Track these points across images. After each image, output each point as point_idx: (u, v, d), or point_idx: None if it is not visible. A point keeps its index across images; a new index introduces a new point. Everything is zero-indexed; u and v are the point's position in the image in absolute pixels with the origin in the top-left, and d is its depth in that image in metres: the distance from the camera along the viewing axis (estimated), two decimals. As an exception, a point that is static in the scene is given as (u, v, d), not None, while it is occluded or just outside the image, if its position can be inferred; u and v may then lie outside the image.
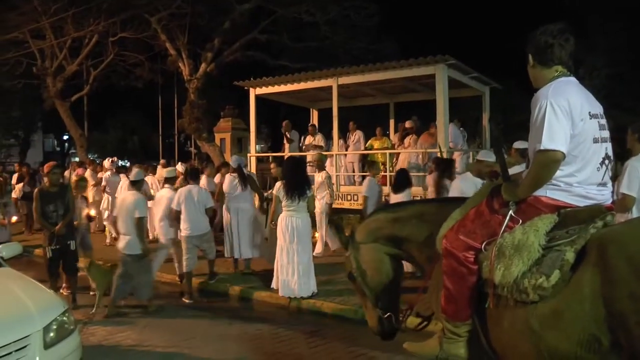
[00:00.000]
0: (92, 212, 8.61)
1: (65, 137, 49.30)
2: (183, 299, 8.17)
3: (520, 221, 2.83)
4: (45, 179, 8.24)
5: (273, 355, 5.88)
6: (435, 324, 3.71)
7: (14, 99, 30.39)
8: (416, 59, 11.32)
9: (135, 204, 7.41)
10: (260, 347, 6.11)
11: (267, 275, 8.69)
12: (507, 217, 2.88)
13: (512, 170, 3.37)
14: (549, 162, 2.70)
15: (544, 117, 2.68)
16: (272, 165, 10.23)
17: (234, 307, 7.99)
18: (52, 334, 4.26)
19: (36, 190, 8.03)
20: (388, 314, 3.85)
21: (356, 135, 14.24)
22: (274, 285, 7.96)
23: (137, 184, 7.90)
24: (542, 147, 2.67)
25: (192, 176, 8.85)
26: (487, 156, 7.01)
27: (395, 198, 8.55)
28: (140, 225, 7.42)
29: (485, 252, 2.91)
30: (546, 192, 2.82)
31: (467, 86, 13.27)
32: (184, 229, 8.35)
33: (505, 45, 20.87)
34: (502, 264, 2.75)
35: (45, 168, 8.22)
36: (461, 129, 13.95)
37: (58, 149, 52.25)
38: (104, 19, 17.95)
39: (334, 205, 11.92)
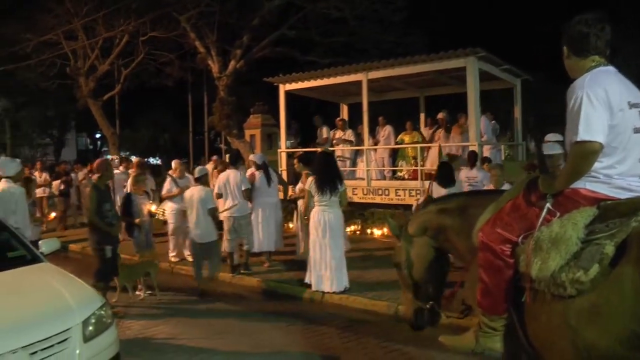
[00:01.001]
0: (154, 208, 8.48)
1: (98, 136, 50.15)
2: (233, 274, 9.02)
3: (558, 214, 2.79)
4: (95, 177, 8.22)
5: (306, 349, 5.89)
6: (470, 319, 3.70)
7: (49, 99, 31.01)
8: (446, 51, 11.23)
9: (206, 196, 8.30)
10: (293, 341, 6.12)
11: (297, 269, 8.77)
12: (545, 210, 2.84)
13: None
14: (586, 154, 2.64)
15: (580, 108, 2.62)
16: (295, 161, 10.33)
17: (266, 301, 8.02)
18: (90, 328, 4.33)
19: (90, 188, 7.73)
20: (430, 303, 3.85)
21: (386, 130, 14.19)
22: (307, 279, 7.99)
23: (201, 179, 8.59)
24: (578, 139, 2.62)
25: (232, 161, 9.63)
26: (553, 149, 6.83)
27: (440, 192, 8.51)
28: (213, 215, 8.33)
29: (522, 245, 2.88)
30: (585, 184, 2.76)
31: (498, 78, 13.12)
32: (226, 211, 9.00)
33: (537, 35, 20.57)
34: (539, 258, 2.71)
35: (97, 165, 7.76)
36: (493, 122, 13.80)
37: (91, 147, 53.15)
38: (134, 19, 18.15)
39: (365, 200, 11.97)
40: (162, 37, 19.00)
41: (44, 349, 3.94)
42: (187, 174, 10.79)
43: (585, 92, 2.63)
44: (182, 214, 9.57)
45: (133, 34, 19.58)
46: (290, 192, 10.28)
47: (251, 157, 10.84)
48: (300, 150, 15.52)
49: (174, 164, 10.89)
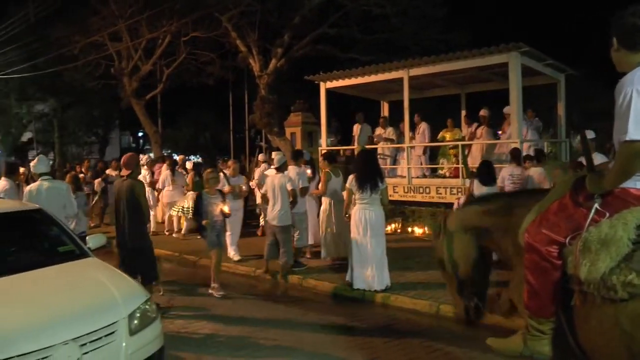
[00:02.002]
0: (226, 209, 8.05)
1: (140, 134, 51.14)
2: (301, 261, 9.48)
3: (607, 214, 2.72)
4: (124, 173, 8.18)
5: (348, 348, 5.89)
6: (513, 320, 3.66)
7: (94, 99, 31.74)
8: (488, 47, 11.06)
9: (285, 182, 8.95)
10: (334, 339, 6.14)
11: (338, 267, 8.79)
12: (593, 210, 2.78)
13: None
14: (635, 154, 2.55)
15: (629, 106, 2.53)
16: (320, 159, 10.55)
17: (307, 298, 8.04)
18: (136, 322, 4.43)
19: (145, 186, 7.85)
20: (474, 302, 3.81)
21: (421, 128, 14.05)
22: (348, 277, 8.00)
23: (281, 168, 9.23)
24: (627, 138, 2.53)
25: (294, 157, 9.98)
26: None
27: (481, 190, 8.43)
28: (294, 195, 9.00)
29: (569, 246, 2.82)
30: (636, 184, 2.69)
31: (542, 74, 12.85)
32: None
33: (583, 28, 20.08)
34: (588, 259, 2.66)
35: (126, 161, 7.30)
36: (536, 118, 13.54)
37: (133, 145, 54.25)
38: (176, 20, 18.43)
39: (406, 198, 11.92)
40: (204, 37, 19.24)
41: (92, 341, 4.07)
42: (240, 174, 11.13)
43: (636, 89, 2.54)
44: (234, 213, 9.52)
45: (175, 35, 19.88)
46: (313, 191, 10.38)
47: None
48: (340, 148, 15.56)
49: (230, 162, 11.36)
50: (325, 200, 9.56)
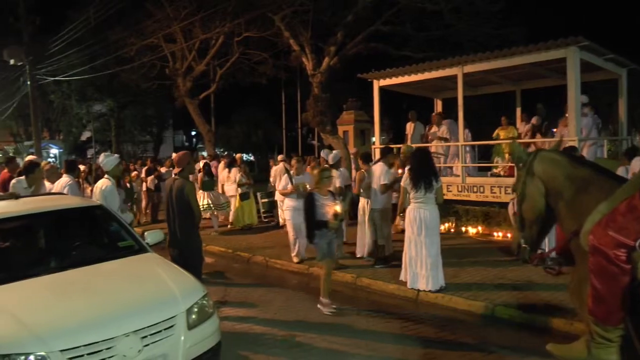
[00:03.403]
0: (339, 209, 7.09)
1: (193, 133, 52.12)
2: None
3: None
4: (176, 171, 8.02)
5: (402, 348, 5.85)
6: (571, 323, 3.54)
7: (149, 99, 32.55)
8: (545, 42, 10.76)
9: (336, 178, 9.26)
10: (388, 340, 6.10)
11: (392, 266, 8.74)
12: None
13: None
14: None
15: None
16: (358, 159, 10.85)
17: (361, 297, 8.01)
18: (194, 316, 4.52)
19: (195, 184, 7.90)
20: (525, 245, 3.70)
21: (444, 126, 13.77)
22: (402, 277, 7.94)
23: (335, 165, 9.60)
24: None
25: (384, 154, 9.81)
26: None
27: None
28: (341, 193, 9.27)
29: (639, 250, 2.71)
30: None
31: (602, 69, 12.42)
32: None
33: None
34: (661, 264, 2.54)
35: (179, 158, 7.14)
36: (595, 115, 13.11)
37: (187, 143, 55.40)
38: (230, 21, 18.68)
39: (459, 197, 11.76)
40: (256, 36, 19.42)
41: (152, 334, 4.17)
42: (305, 171, 10.93)
43: None
44: (298, 212, 9.27)
45: (228, 35, 20.15)
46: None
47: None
48: (393, 146, 15.46)
49: (293, 160, 11.04)
50: (362, 200, 9.72)
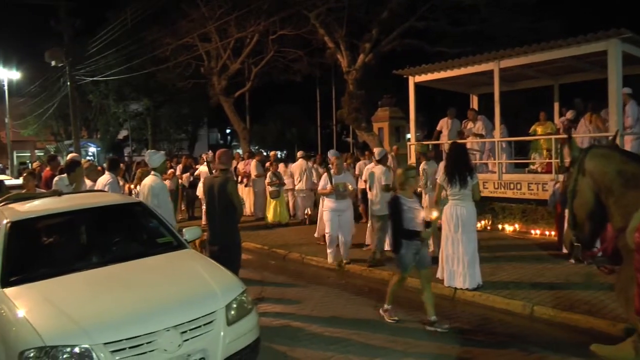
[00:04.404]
0: (434, 215, 6.33)
1: (228, 131, 52.61)
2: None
3: None
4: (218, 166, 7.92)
5: (439, 345, 5.81)
6: (615, 325, 3.45)
7: (185, 98, 32.98)
8: (585, 35, 10.53)
9: (381, 174, 9.39)
10: (426, 338, 6.06)
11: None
12: None
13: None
14: None
15: None
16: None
17: (397, 294, 7.93)
18: (233, 312, 4.55)
19: (235, 182, 8.00)
20: (577, 244, 3.62)
21: (478, 123, 13.58)
22: (438, 275, 7.88)
23: (382, 161, 9.66)
24: None
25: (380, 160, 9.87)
26: None
27: None
28: (387, 190, 9.09)
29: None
30: None
31: (645, 61, 12.10)
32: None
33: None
34: None
35: (220, 156, 7.15)
36: (638, 107, 12.75)
37: (221, 141, 55.95)
38: (264, 19, 18.83)
39: (496, 195, 11.60)
40: (291, 34, 19.52)
41: (192, 329, 4.22)
42: (346, 170, 10.44)
43: None
44: (336, 214, 9.30)
45: (263, 33, 20.30)
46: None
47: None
48: (429, 142, 15.34)
49: (332, 158, 10.24)
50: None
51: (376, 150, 10.06)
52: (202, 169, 14.80)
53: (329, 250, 9.67)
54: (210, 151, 18.03)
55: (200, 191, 14.38)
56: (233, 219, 6.82)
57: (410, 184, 6.54)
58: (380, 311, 6.67)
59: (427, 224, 6.30)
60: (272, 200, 13.84)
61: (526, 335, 6.05)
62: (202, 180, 14.26)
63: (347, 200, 9.54)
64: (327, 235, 9.67)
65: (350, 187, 9.57)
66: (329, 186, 9.41)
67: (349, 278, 8.90)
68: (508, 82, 14.49)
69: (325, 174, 9.66)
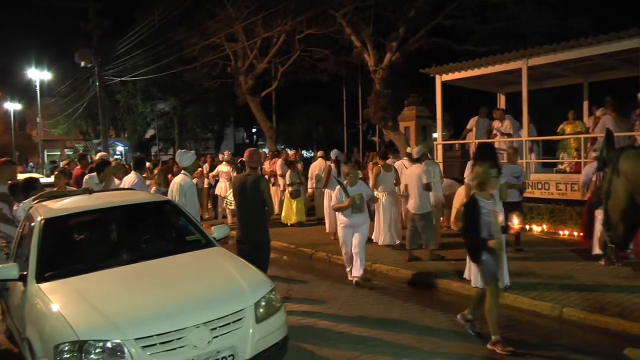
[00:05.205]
0: (516, 222, 6.07)
1: (254, 130, 52.91)
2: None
3: None
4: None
5: (467, 346, 5.78)
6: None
7: (211, 97, 33.24)
8: (617, 32, 10.36)
9: (422, 173, 9.34)
10: (454, 338, 6.03)
11: (455, 263, 8.63)
12: None
13: None
14: None
15: None
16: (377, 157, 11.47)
17: (425, 294, 7.94)
18: (262, 310, 4.59)
19: (268, 181, 7.90)
20: (611, 245, 3.58)
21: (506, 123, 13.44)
22: (466, 275, 7.80)
23: (420, 159, 9.71)
24: None
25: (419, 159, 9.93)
26: None
27: None
28: (428, 189, 9.28)
29: None
30: None
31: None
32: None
33: None
34: None
35: (249, 155, 7.14)
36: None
37: (247, 140, 56.31)
38: (291, 19, 18.89)
39: (524, 194, 11.47)
40: (318, 34, 19.54)
41: (222, 326, 4.27)
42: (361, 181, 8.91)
43: None
44: (352, 230, 8.37)
45: (289, 33, 20.36)
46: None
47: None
48: (455, 142, 15.25)
49: (345, 168, 9.61)
50: (379, 194, 10.25)
51: (415, 149, 10.11)
52: (222, 168, 14.88)
53: (348, 269, 8.72)
54: (227, 151, 18.23)
55: (220, 190, 14.62)
56: (264, 218, 6.85)
57: (490, 183, 5.78)
58: (489, 346, 5.65)
59: (503, 229, 5.73)
60: (292, 200, 13.88)
61: (555, 338, 5.98)
62: (221, 179, 14.62)
63: (364, 214, 8.50)
64: (343, 254, 8.77)
65: (373, 195, 9.25)
66: (346, 200, 8.23)
67: (376, 277, 8.89)
68: (536, 80, 14.31)
69: (339, 187, 8.51)
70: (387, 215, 10.35)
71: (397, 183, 10.26)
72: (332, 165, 12.32)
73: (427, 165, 9.72)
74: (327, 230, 11.98)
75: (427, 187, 9.31)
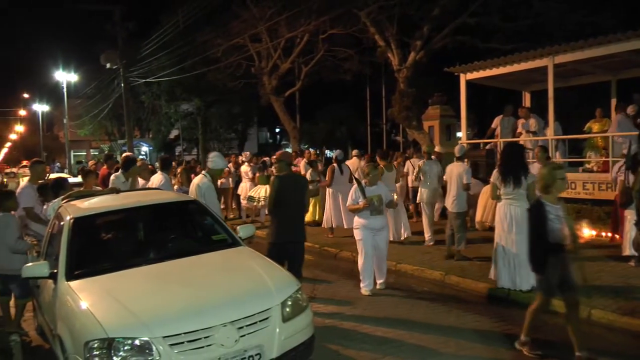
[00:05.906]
0: (585, 233, 5.60)
1: (277, 130, 53.06)
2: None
3: None
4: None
5: (493, 349, 5.70)
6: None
7: (235, 98, 33.42)
8: (647, 27, 10.18)
9: (463, 172, 9.33)
10: (479, 339, 5.97)
11: (482, 264, 8.57)
12: None
13: None
14: None
15: None
16: (377, 156, 11.71)
17: (450, 294, 7.86)
18: (288, 309, 4.60)
19: (274, 177, 8.06)
20: None
21: (532, 121, 13.26)
22: (491, 275, 7.76)
23: (461, 158, 9.71)
24: None
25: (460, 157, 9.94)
26: None
27: None
28: (467, 189, 9.29)
29: None
30: None
31: None
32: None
33: None
34: None
35: (280, 156, 7.27)
36: None
37: (270, 140, 56.50)
38: (315, 19, 18.91)
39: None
40: (341, 33, 19.55)
41: (249, 325, 4.29)
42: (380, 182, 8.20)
43: None
44: (371, 233, 7.83)
45: (313, 33, 20.40)
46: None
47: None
48: (480, 141, 15.11)
49: (363, 166, 9.38)
50: None
51: (456, 147, 10.12)
52: (243, 168, 15.29)
53: (362, 285, 7.98)
54: (248, 151, 18.43)
55: (241, 189, 14.98)
56: (303, 217, 7.12)
57: (557, 186, 5.26)
58: (517, 345, 5.56)
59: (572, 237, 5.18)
60: (311, 198, 13.88)
61: (584, 341, 5.89)
62: (243, 179, 15.03)
63: (382, 217, 8.00)
64: (360, 262, 8.01)
65: (394, 196, 8.59)
66: (361, 201, 7.74)
67: (401, 278, 8.85)
68: (562, 78, 14.12)
69: (355, 186, 8.00)
70: (391, 214, 10.34)
71: (397, 182, 11.10)
72: (335, 165, 12.48)
73: (468, 165, 9.96)
74: (323, 226, 12.53)
75: (467, 187, 9.33)
